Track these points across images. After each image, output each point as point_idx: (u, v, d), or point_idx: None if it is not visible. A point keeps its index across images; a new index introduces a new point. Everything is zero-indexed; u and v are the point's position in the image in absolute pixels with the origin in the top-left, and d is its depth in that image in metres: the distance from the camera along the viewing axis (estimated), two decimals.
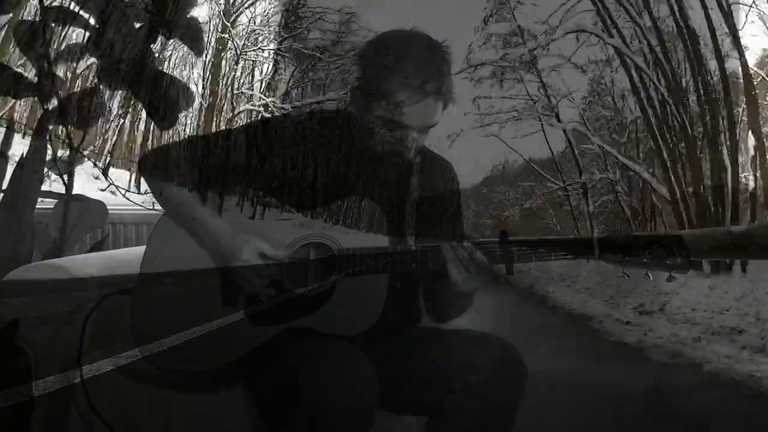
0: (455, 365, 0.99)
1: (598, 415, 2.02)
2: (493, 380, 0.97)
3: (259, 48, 5.58)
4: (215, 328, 0.98)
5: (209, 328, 0.98)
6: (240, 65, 5.51)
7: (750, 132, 4.07)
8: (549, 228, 5.55)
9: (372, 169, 1.05)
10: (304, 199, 1.02)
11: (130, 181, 5.20)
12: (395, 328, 1.05)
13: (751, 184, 4.06)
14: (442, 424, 1.01)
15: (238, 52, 5.51)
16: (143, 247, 1.02)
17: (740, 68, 4.07)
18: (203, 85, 5.50)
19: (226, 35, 5.48)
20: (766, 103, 4.43)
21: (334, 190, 1.02)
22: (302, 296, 0.97)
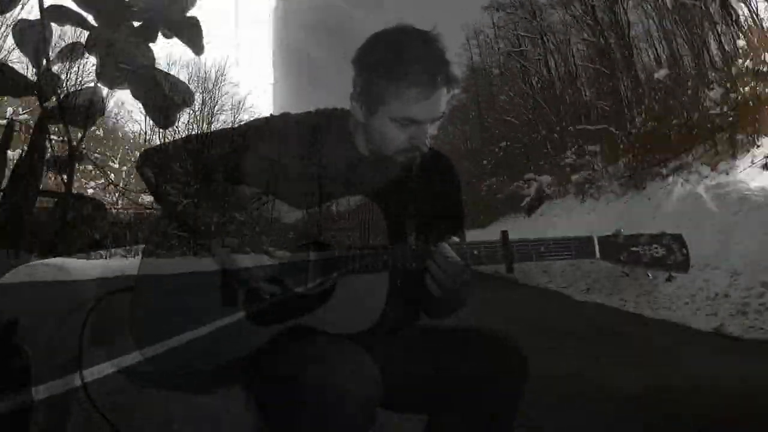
0: (456, 363, 0.99)
1: None
2: (494, 376, 0.97)
3: None
4: (215, 327, 0.98)
5: (209, 328, 0.98)
6: None
7: None
8: None
9: (372, 167, 1.05)
10: (303, 197, 1.01)
11: None
12: (396, 326, 1.05)
13: None
14: (442, 422, 1.01)
15: None
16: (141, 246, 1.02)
17: None
18: None
19: None
20: None
21: (334, 189, 1.02)
22: (303, 295, 0.96)
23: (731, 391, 2.26)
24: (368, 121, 1.03)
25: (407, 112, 0.99)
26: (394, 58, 0.99)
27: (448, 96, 1.02)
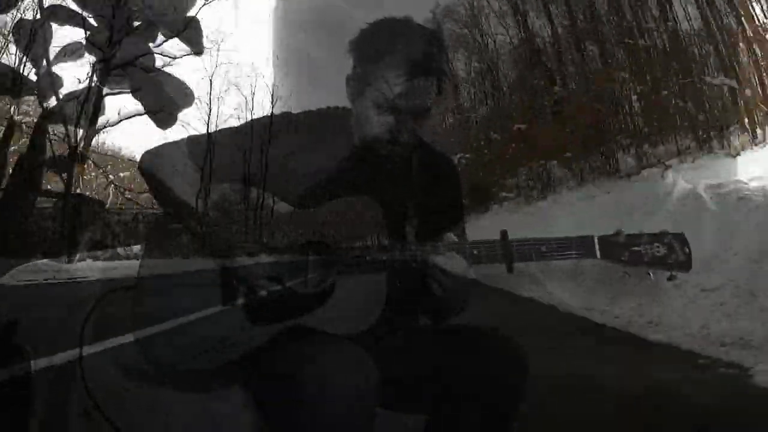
0: (455, 362, 0.99)
1: None
2: (494, 376, 0.96)
3: None
4: (214, 327, 0.98)
5: (209, 327, 0.98)
6: None
7: None
8: None
9: (371, 165, 1.05)
10: (303, 196, 1.01)
11: None
12: (396, 326, 1.05)
13: None
14: (442, 422, 1.00)
15: None
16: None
17: None
18: None
19: None
20: None
21: (334, 188, 1.02)
22: (302, 295, 0.96)
23: (730, 392, 2.26)
24: (355, 107, 1.03)
25: (387, 96, 0.98)
26: (382, 42, 0.99)
27: (436, 92, 1.01)
